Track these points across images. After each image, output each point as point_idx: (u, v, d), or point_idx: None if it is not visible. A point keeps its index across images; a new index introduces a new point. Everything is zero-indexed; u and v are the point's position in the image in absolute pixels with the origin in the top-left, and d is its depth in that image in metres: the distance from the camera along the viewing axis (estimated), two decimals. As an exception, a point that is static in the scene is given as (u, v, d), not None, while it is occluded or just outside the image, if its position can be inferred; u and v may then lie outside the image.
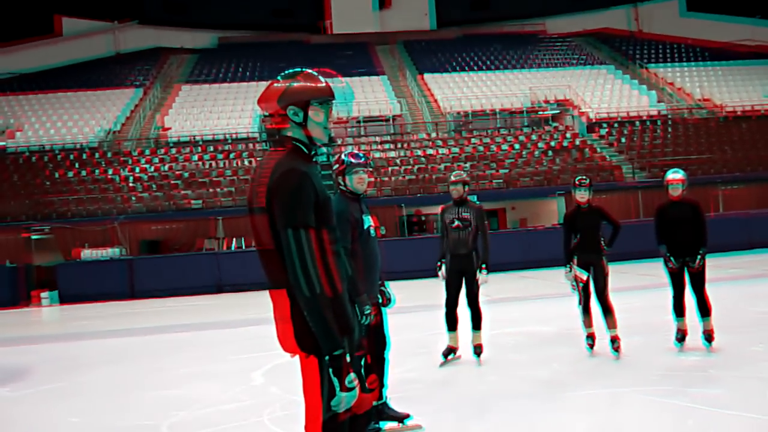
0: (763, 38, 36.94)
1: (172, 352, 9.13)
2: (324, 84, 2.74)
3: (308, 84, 2.71)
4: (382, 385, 4.73)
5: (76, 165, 24.42)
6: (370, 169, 4.75)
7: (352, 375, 2.49)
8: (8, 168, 24.55)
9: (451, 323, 6.99)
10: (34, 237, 20.38)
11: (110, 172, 23.96)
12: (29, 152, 25.77)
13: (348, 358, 2.50)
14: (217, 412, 5.50)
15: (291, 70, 2.79)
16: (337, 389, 2.47)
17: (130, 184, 23.00)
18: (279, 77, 2.77)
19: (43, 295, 18.65)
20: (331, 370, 2.47)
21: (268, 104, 2.73)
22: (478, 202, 7.06)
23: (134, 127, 28.89)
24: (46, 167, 24.40)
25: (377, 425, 4.72)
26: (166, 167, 24.31)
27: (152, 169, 24.22)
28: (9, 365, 8.75)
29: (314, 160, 2.75)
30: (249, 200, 2.71)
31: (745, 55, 35.72)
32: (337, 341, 2.48)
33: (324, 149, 2.80)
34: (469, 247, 6.70)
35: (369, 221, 4.64)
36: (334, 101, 2.75)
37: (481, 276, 6.70)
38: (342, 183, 4.66)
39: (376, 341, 4.67)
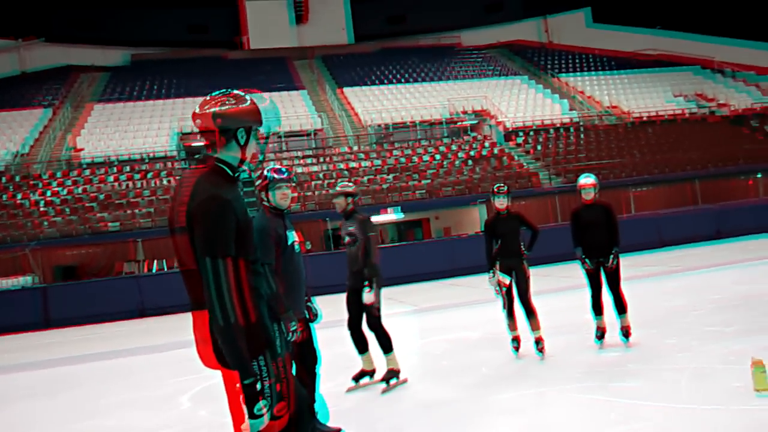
0: (665, 47, 39.14)
1: (97, 381, 8.77)
2: (256, 106, 2.75)
3: (252, 107, 2.72)
4: (314, 400, 4.70)
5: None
6: (293, 184, 4.74)
7: (262, 403, 2.52)
8: None
9: (359, 345, 6.41)
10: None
11: (19, 196, 22.86)
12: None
13: (258, 387, 2.52)
14: (144, 440, 5.32)
15: (226, 90, 2.76)
16: (247, 417, 2.50)
17: (42, 209, 22.01)
18: (218, 94, 2.74)
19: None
20: (241, 397, 2.50)
21: (205, 121, 2.68)
22: (365, 213, 6.43)
23: (44, 148, 27.68)
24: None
25: None
26: (80, 189, 23.40)
27: (65, 192, 23.25)
28: None
29: (237, 179, 2.73)
30: (170, 220, 2.70)
31: (648, 64, 37.71)
32: (249, 370, 2.51)
33: (245, 167, 2.77)
34: (360, 263, 6.10)
35: (293, 237, 4.63)
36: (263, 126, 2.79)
37: (365, 294, 5.99)
38: (265, 199, 4.64)
39: (306, 356, 4.65)
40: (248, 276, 2.63)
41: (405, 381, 6.33)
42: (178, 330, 13.82)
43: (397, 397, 5.92)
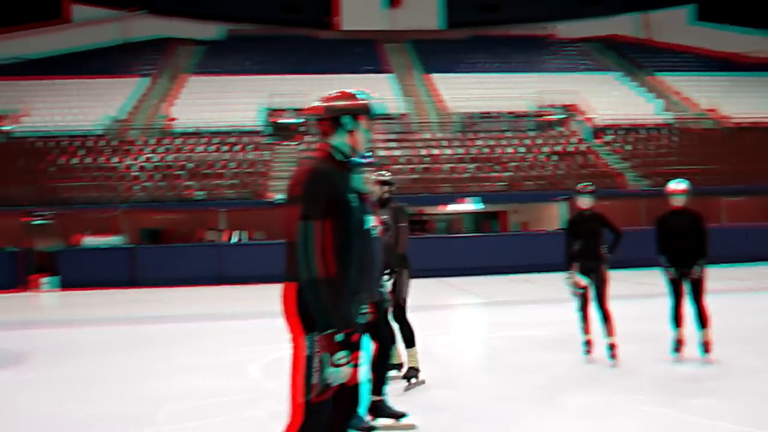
0: (771, 50, 36.95)
1: (170, 342, 9.16)
2: (365, 101, 3.12)
3: (358, 100, 3.10)
4: (383, 381, 4.75)
5: (81, 152, 24.47)
6: (376, 169, 4.77)
7: (342, 353, 2.70)
8: (14, 152, 24.59)
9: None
10: (35, 222, 20.43)
11: (114, 160, 24.01)
12: (35, 137, 25.82)
13: (340, 337, 2.70)
14: (213, 405, 5.53)
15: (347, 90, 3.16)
16: (328, 365, 2.70)
17: (134, 173, 23.05)
18: (334, 93, 3.15)
19: (44, 280, 18.72)
20: (322, 347, 2.71)
21: (319, 112, 3.09)
22: (400, 203, 5.98)
23: (140, 116, 28.93)
24: (50, 153, 24.44)
25: (372, 421, 4.75)
26: (171, 157, 24.35)
27: (156, 158, 24.26)
28: (10, 349, 8.79)
29: (346, 163, 3.02)
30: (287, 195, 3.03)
31: (752, 66, 35.70)
32: (329, 320, 2.71)
33: (356, 154, 3.08)
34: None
35: (371, 221, 4.67)
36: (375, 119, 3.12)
37: (384, 283, 5.46)
38: None
39: (383, 336, 4.70)
40: (337, 247, 2.88)
41: (423, 382, 6.03)
42: (253, 299, 14.26)
43: (463, 387, 5.91)
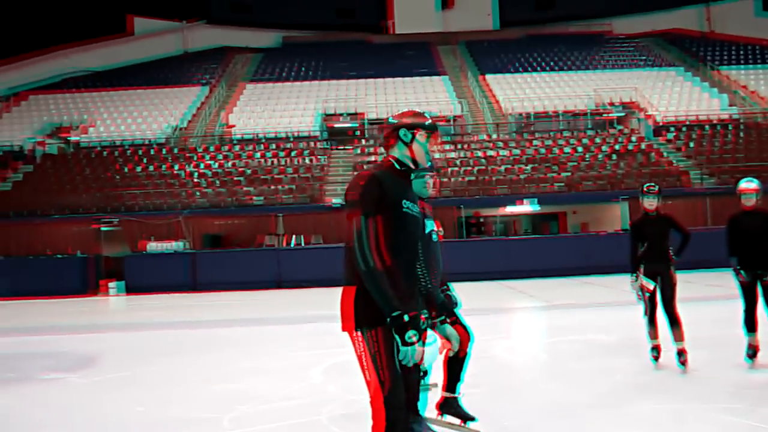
0: None
1: (233, 346, 9.33)
2: (427, 120, 3.37)
3: (416, 116, 3.36)
4: (458, 380, 4.73)
5: (144, 160, 25.23)
6: (435, 174, 4.74)
7: (411, 332, 2.87)
8: (81, 162, 25.55)
9: None
10: (103, 229, 21.16)
11: (176, 167, 24.66)
12: (101, 147, 26.78)
13: (406, 318, 2.87)
14: (277, 409, 5.59)
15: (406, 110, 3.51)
16: (400, 345, 2.88)
17: (195, 180, 23.62)
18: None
19: (111, 284, 19.37)
20: (393, 329, 2.89)
21: (385, 127, 3.39)
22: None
23: (200, 124, 29.64)
24: (116, 161, 25.28)
25: (439, 417, 4.72)
26: (230, 164, 24.85)
27: (216, 165, 24.80)
28: (79, 352, 9.12)
29: (404, 172, 3.25)
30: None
31: (825, 58, 34.08)
32: (392, 304, 2.89)
33: (414, 165, 3.30)
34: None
35: (431, 225, 4.64)
36: (435, 134, 3.36)
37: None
38: None
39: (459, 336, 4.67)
40: (390, 243, 3.03)
41: (435, 385, 5.85)
42: (313, 304, 14.39)
43: (526, 395, 5.81)
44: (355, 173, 3.25)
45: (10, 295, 18.48)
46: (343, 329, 3.07)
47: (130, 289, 19.26)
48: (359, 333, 2.98)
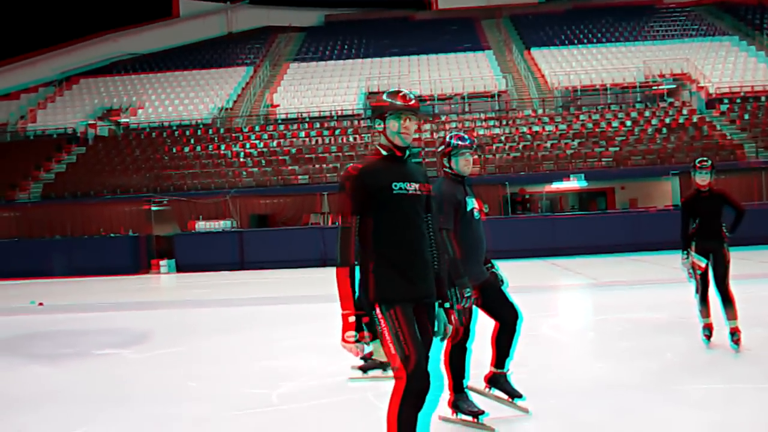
0: None
1: (280, 323, 9.47)
2: (399, 99, 3.36)
3: (386, 100, 3.38)
4: (506, 355, 4.71)
5: (192, 141, 25.65)
6: (476, 151, 4.67)
7: (350, 332, 3.13)
8: (131, 143, 26.14)
9: None
10: (154, 209, 21.66)
11: (223, 147, 25.01)
12: (150, 129, 27.33)
13: (350, 320, 3.14)
14: (323, 386, 5.67)
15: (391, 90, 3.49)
16: (339, 341, 3.17)
17: (241, 160, 23.92)
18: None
19: (162, 263, 19.88)
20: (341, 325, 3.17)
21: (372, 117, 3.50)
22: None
23: (245, 104, 29.94)
24: (164, 143, 25.78)
25: (488, 389, 4.73)
26: (275, 143, 25.08)
27: (261, 145, 25.06)
28: (132, 329, 9.40)
29: (390, 157, 3.34)
30: None
31: None
32: (343, 304, 3.16)
33: (396, 148, 3.36)
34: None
35: (472, 203, 4.59)
36: (407, 114, 3.33)
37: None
38: (447, 165, 4.62)
39: (506, 314, 4.61)
40: (376, 238, 3.22)
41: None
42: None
43: (574, 374, 5.76)
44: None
45: (66, 274, 19.14)
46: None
47: (180, 268, 19.73)
48: (379, 310, 3.16)
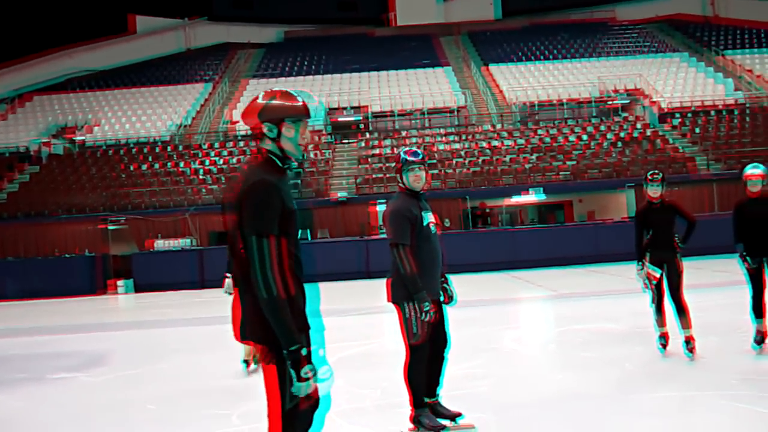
0: None
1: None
2: (299, 103, 2.99)
3: (283, 103, 2.96)
4: (437, 383, 4.70)
5: (150, 158, 25.28)
6: (427, 167, 4.71)
7: (308, 367, 2.73)
8: (87, 161, 25.63)
9: None
10: (110, 227, 21.24)
11: (181, 164, 24.70)
12: (106, 146, 26.85)
13: (303, 353, 2.73)
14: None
15: (270, 90, 3.06)
16: (295, 380, 2.72)
17: (200, 177, 23.66)
18: (260, 95, 3.02)
19: (119, 283, 19.46)
20: (289, 363, 2.72)
21: (249, 119, 3.00)
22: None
23: (204, 121, 29.67)
24: (121, 160, 25.35)
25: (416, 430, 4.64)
26: (234, 160, 24.87)
27: (221, 162, 24.84)
28: (89, 351, 9.17)
29: (285, 169, 2.98)
30: (224, 200, 3.03)
31: (831, 40, 33.79)
32: (293, 337, 2.71)
33: (292, 158, 3.01)
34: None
35: (428, 218, 4.62)
36: (307, 119, 3.01)
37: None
38: (400, 180, 4.66)
39: (435, 339, 4.63)
40: (289, 261, 2.84)
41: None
42: (322, 299, 14.43)
43: (535, 386, 5.82)
44: (243, 173, 3.01)
45: (19, 296, 18.60)
46: (239, 339, 2.98)
47: (139, 288, 19.35)
48: (271, 360, 2.79)
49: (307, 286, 3.01)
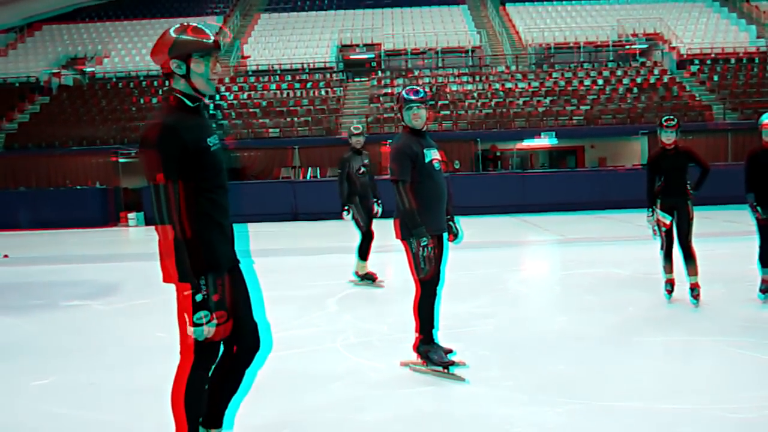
0: None
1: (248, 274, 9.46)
2: (208, 37, 2.86)
3: (190, 38, 2.84)
4: (433, 325, 4.73)
5: (160, 92, 25.11)
6: (428, 105, 4.67)
7: (202, 313, 2.76)
8: (97, 94, 25.51)
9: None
10: (121, 161, 21.29)
11: (192, 99, 24.50)
12: (116, 78, 26.66)
13: (198, 298, 2.75)
14: (294, 337, 5.73)
15: (178, 24, 2.93)
16: (188, 325, 2.79)
17: (211, 112, 23.53)
18: (170, 30, 2.90)
19: (131, 216, 19.64)
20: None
21: (158, 57, 2.88)
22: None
23: (215, 55, 29.27)
24: (132, 93, 25.21)
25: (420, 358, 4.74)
26: (245, 95, 24.69)
27: (231, 97, 24.66)
28: (101, 281, 9.35)
29: (196, 108, 2.89)
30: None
31: None
32: (187, 281, 2.75)
33: (202, 95, 2.91)
34: (372, 189, 8.16)
35: (431, 155, 4.61)
36: (217, 53, 2.88)
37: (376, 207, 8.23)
38: (401, 118, 4.68)
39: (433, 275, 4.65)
40: (200, 201, 2.82)
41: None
42: (327, 236, 14.55)
43: (537, 326, 5.90)
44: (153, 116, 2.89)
45: (32, 227, 18.83)
46: (164, 280, 2.96)
47: (150, 221, 19.52)
48: (184, 286, 2.81)
49: (235, 227, 3.03)
